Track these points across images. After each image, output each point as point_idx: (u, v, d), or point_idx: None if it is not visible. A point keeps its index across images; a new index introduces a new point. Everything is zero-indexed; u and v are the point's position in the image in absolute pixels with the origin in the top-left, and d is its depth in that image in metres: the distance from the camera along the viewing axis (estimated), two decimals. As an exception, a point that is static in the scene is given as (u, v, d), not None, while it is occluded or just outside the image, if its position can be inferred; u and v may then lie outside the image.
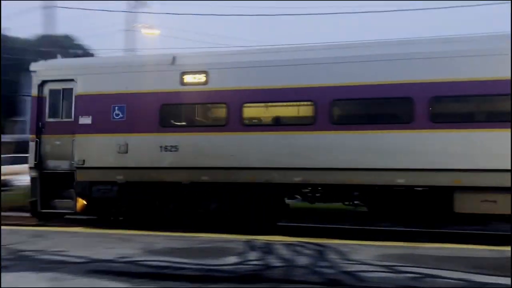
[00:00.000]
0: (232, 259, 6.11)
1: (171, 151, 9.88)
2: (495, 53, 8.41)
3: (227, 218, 9.97)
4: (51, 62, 11.94)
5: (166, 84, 10.11)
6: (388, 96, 9.06)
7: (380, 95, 9.09)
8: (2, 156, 15.92)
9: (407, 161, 8.70)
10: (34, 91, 11.06)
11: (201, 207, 10.13)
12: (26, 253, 6.62)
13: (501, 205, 8.19)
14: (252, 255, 6.40)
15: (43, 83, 11.01)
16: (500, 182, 8.09)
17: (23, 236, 8.01)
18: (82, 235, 8.53)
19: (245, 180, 9.54)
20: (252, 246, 6.98)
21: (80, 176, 10.45)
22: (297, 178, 9.33)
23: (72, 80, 10.75)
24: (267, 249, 6.81)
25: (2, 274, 5.27)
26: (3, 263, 5.96)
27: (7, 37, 53.97)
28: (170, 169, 9.96)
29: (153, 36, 26.73)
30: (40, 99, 10.97)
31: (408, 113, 8.86)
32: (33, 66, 11.41)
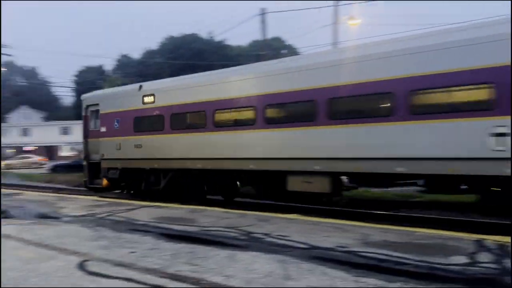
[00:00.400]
0: (460, 259, 5.61)
1: (139, 148, 15.10)
2: None
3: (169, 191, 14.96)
4: (89, 94, 18.70)
5: (135, 103, 15.30)
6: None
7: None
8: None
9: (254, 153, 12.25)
10: (84, 112, 17.67)
11: (157, 184, 15.14)
12: (256, 235, 7.69)
13: (315, 185, 11.14)
14: (484, 257, 5.73)
15: (87, 106, 17.45)
16: (313, 167, 10.89)
17: (251, 219, 9.32)
18: (298, 221, 9.28)
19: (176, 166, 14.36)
20: (482, 246, 6.24)
21: (103, 164, 16.45)
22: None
23: (98, 104, 16.93)
24: (501, 250, 5.96)
25: (238, 252, 6.29)
26: (238, 242, 7.11)
27: (225, 46, 63.56)
28: (139, 160, 15.20)
29: (356, 26, 26.55)
30: (86, 117, 17.47)
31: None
32: (82, 97, 18.61)
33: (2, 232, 8.44)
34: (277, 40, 58.83)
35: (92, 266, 5.85)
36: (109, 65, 74.99)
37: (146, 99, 14.95)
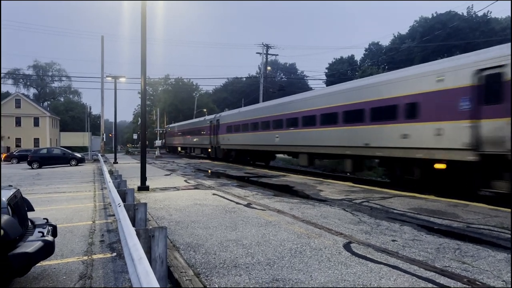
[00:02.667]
0: None
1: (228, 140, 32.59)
2: None
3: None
4: (211, 116, 40.45)
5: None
6: None
7: None
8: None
9: None
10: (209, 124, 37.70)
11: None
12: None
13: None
14: None
15: (212, 120, 37.07)
16: None
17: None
18: None
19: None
20: None
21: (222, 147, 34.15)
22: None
23: (218, 119, 35.46)
24: None
25: None
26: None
27: (490, 20, 54.51)
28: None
29: None
30: (212, 126, 36.74)
31: None
32: (206, 117, 42.72)
33: (279, 208, 10.11)
34: None
35: (358, 249, 6.26)
36: (359, 55, 76.77)
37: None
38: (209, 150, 37.40)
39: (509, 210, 9.38)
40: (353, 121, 16.23)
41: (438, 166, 12.55)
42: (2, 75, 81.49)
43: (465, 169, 11.69)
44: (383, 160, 15.42)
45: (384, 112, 14.49)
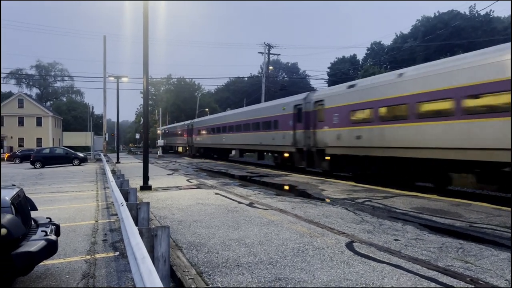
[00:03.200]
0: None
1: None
2: None
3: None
4: (188, 121, 50.71)
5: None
6: None
7: None
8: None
9: None
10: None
11: None
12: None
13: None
14: None
15: (188, 125, 48.97)
16: None
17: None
18: None
19: None
20: None
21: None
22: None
23: (192, 124, 47.40)
24: None
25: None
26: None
27: (492, 19, 54.29)
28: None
29: None
30: (187, 130, 48.46)
31: None
32: (185, 122, 54.34)
33: (281, 208, 10.12)
34: None
35: (360, 248, 6.26)
36: (361, 54, 76.58)
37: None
38: (187, 148, 47.61)
39: (512, 209, 9.36)
40: (255, 129, 27.95)
41: (286, 154, 23.54)
42: (4, 75, 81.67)
43: (293, 154, 22.13)
44: (270, 152, 27.29)
45: (266, 124, 25.83)
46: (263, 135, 26.20)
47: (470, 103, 11.27)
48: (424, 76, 12.96)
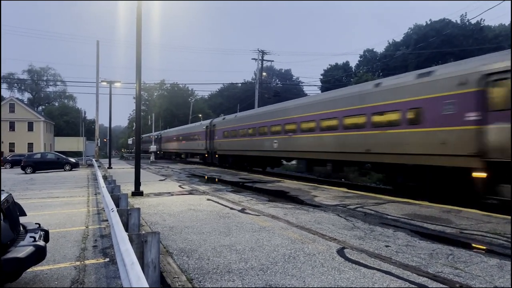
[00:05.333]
0: None
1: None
2: None
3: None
4: (157, 132, 67.51)
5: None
6: None
7: None
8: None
9: None
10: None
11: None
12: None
13: None
14: None
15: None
16: None
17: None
18: None
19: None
20: None
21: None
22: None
23: (160, 134, 63.85)
24: None
25: (509, 262, 5.45)
26: (507, 251, 6.17)
27: (483, 28, 55.08)
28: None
29: None
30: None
31: None
32: (152, 134, 68.40)
33: (273, 214, 10.11)
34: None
35: (351, 254, 6.27)
36: (354, 61, 77.07)
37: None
38: (206, 155, 43.21)
39: (502, 216, 9.44)
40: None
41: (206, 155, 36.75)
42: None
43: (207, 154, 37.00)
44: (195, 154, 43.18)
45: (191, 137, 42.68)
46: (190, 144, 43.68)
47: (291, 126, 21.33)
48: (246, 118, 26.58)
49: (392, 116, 14.10)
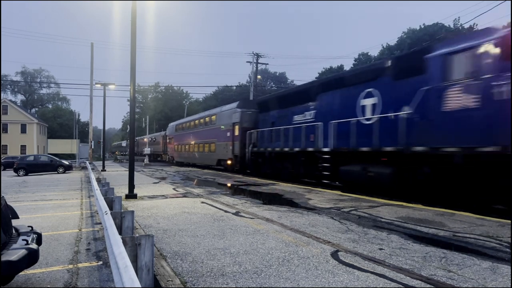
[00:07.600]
0: None
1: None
2: None
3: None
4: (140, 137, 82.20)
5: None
6: None
7: None
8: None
9: None
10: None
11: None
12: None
13: None
14: None
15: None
16: None
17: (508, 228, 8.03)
18: None
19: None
20: None
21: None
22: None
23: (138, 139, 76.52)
24: None
25: (501, 265, 5.48)
26: (500, 254, 6.22)
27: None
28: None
29: None
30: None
31: None
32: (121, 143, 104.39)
33: (267, 217, 10.11)
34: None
35: (345, 257, 6.28)
36: (349, 65, 77.38)
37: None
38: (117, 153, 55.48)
39: (495, 219, 9.51)
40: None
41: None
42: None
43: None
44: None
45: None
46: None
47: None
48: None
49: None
